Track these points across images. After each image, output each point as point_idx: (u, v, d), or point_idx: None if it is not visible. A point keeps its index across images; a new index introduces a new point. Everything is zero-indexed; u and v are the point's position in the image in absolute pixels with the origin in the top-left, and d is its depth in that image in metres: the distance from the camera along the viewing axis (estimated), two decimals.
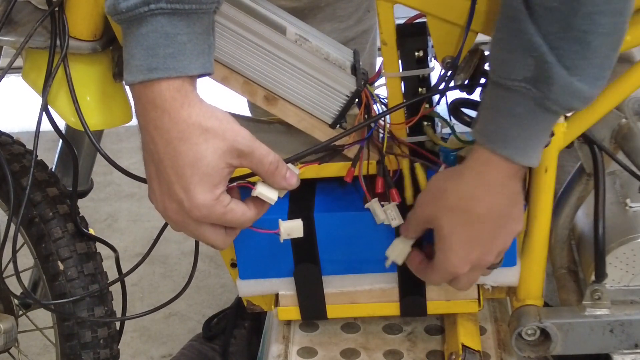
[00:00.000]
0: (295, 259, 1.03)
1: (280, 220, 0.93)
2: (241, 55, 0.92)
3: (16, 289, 1.08)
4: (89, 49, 0.98)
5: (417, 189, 0.97)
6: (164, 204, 0.84)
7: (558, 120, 0.85)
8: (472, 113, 0.94)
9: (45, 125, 1.00)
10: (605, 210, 0.97)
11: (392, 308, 1.07)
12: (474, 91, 0.94)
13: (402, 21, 0.95)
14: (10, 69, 0.99)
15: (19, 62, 0.99)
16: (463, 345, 1.04)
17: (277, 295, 1.08)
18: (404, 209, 0.97)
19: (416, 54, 0.94)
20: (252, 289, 1.07)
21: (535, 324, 1.01)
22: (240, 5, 0.93)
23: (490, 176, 0.86)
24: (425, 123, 0.98)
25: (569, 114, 0.93)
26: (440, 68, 0.94)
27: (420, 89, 0.96)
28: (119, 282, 1.09)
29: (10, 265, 1.06)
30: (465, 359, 1.02)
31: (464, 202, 0.87)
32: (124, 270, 1.10)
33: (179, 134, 0.79)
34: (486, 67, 0.93)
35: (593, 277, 1.01)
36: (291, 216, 0.98)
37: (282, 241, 0.93)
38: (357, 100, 0.96)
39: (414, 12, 0.93)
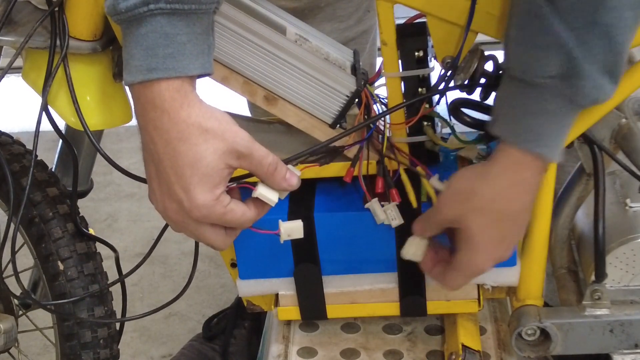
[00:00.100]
0: (295, 259, 1.03)
1: (280, 221, 0.93)
2: (241, 55, 0.92)
3: (16, 289, 1.08)
4: (89, 49, 0.98)
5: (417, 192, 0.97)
6: (164, 204, 0.84)
7: None
8: (472, 113, 0.94)
9: (45, 125, 1.00)
10: (605, 210, 0.97)
11: (392, 308, 1.07)
12: (474, 91, 0.94)
13: (402, 21, 0.95)
14: (10, 69, 0.99)
15: (19, 62, 0.99)
16: (463, 345, 1.04)
17: (277, 295, 1.08)
18: (404, 209, 0.97)
19: (416, 54, 0.94)
20: (252, 289, 1.07)
21: (535, 324, 1.01)
22: (240, 5, 0.93)
23: (524, 175, 0.85)
24: (425, 123, 0.97)
25: None
26: (440, 68, 0.94)
27: (420, 89, 0.95)
28: (118, 282, 1.09)
29: (10, 265, 1.06)
30: (465, 359, 1.02)
31: (497, 203, 0.86)
32: (124, 270, 1.10)
33: (179, 134, 0.79)
34: (486, 67, 0.93)
35: (593, 277, 1.01)
36: (291, 216, 0.98)
37: (282, 242, 0.93)
38: (357, 100, 0.96)
39: (414, 12, 0.93)
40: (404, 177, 0.98)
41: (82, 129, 0.98)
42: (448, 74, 0.93)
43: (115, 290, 1.11)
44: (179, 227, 0.85)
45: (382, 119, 0.97)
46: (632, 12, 0.77)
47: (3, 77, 0.99)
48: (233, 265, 1.08)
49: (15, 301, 1.17)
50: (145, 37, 0.78)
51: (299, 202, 1.01)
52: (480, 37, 0.91)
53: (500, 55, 0.94)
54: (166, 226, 0.91)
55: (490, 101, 0.95)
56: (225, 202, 0.83)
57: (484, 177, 0.86)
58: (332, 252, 1.03)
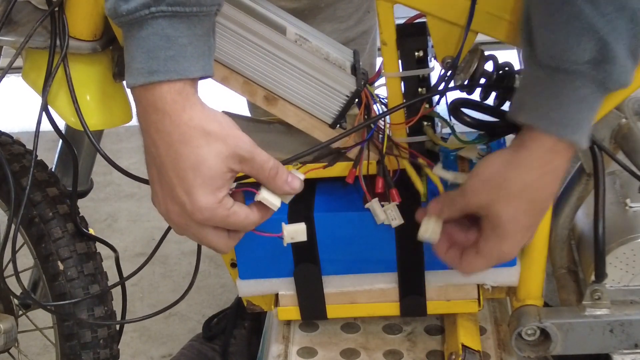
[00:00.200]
0: (295, 259, 1.03)
1: (283, 224, 0.93)
2: (241, 55, 0.92)
3: (16, 289, 1.08)
4: (88, 49, 0.98)
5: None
6: (166, 207, 0.84)
7: None
8: (472, 113, 0.94)
9: (45, 125, 1.00)
10: (605, 210, 0.97)
11: (392, 308, 1.07)
12: (474, 91, 0.94)
13: (402, 21, 0.95)
14: (10, 69, 0.99)
15: (19, 62, 0.99)
16: (463, 345, 1.04)
17: (277, 295, 1.08)
18: (404, 209, 0.97)
19: (416, 54, 0.94)
20: (252, 289, 1.07)
21: (535, 324, 1.01)
22: (240, 5, 0.93)
23: (557, 163, 0.84)
24: (425, 123, 0.97)
25: None
26: (440, 68, 0.94)
27: (420, 89, 0.95)
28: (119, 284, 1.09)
29: (10, 265, 1.06)
30: (465, 359, 1.02)
31: (528, 192, 0.85)
32: (124, 270, 1.10)
33: (181, 137, 0.79)
34: (486, 67, 0.93)
35: (593, 277, 1.01)
36: (291, 216, 0.98)
37: (285, 245, 0.93)
38: (357, 100, 0.96)
39: (414, 12, 0.93)
40: (409, 168, 0.97)
41: (82, 129, 0.98)
42: (448, 74, 0.93)
43: (116, 289, 1.11)
44: (182, 230, 0.85)
45: (383, 119, 0.97)
46: None
47: (3, 77, 0.99)
48: (233, 265, 1.08)
49: (15, 301, 1.17)
50: (146, 39, 0.78)
51: (299, 202, 1.01)
52: (480, 37, 0.91)
53: (500, 55, 0.94)
54: (169, 229, 0.91)
55: (490, 101, 0.95)
56: (228, 205, 0.82)
57: (515, 165, 0.85)
58: (332, 252, 1.03)
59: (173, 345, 1.64)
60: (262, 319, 1.38)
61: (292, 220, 0.96)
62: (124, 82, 1.03)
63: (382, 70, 0.96)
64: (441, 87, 0.94)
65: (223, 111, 0.88)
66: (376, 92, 0.99)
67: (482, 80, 0.93)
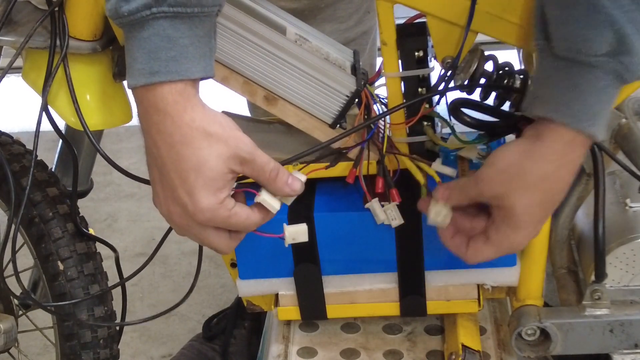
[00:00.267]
0: (295, 259, 1.03)
1: (285, 225, 0.93)
2: (241, 55, 0.92)
3: (16, 289, 1.08)
4: (88, 49, 0.98)
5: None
6: (168, 208, 0.84)
7: None
8: (472, 113, 0.94)
9: (45, 125, 1.00)
10: (605, 210, 0.97)
11: (392, 308, 1.07)
12: (474, 91, 0.94)
13: (402, 21, 0.95)
14: (10, 69, 0.99)
15: (19, 62, 0.99)
16: (463, 345, 1.04)
17: (277, 295, 1.08)
18: (404, 209, 0.97)
19: (416, 54, 0.94)
20: (252, 289, 1.07)
21: (535, 324, 1.01)
22: (240, 5, 0.93)
23: (574, 155, 0.84)
24: (425, 123, 0.97)
25: None
26: (440, 68, 0.94)
27: (420, 89, 0.95)
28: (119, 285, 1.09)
29: (10, 265, 1.06)
30: (465, 359, 1.02)
31: (545, 184, 0.84)
32: (124, 270, 1.10)
33: (182, 138, 0.79)
34: (486, 67, 0.93)
35: (593, 277, 1.01)
36: (291, 216, 0.98)
37: (287, 246, 0.93)
38: (357, 100, 0.96)
39: (414, 12, 0.93)
40: (409, 163, 0.97)
41: (82, 129, 0.98)
42: (448, 74, 0.93)
43: (116, 289, 1.11)
44: (183, 230, 0.85)
45: (383, 118, 0.97)
46: None
47: (3, 77, 0.99)
48: (233, 265, 1.08)
49: (15, 301, 1.17)
50: (147, 40, 0.78)
51: (299, 202, 1.01)
52: (480, 37, 0.91)
53: (500, 55, 0.94)
54: (170, 229, 0.91)
55: (490, 101, 0.95)
56: (229, 206, 0.82)
57: (532, 157, 0.84)
58: (332, 252, 1.03)
59: (173, 345, 1.64)
60: (262, 319, 1.38)
61: (292, 220, 0.96)
62: (124, 82, 1.03)
63: (382, 70, 0.96)
64: (441, 87, 0.94)
65: (223, 111, 0.88)
66: (376, 92, 0.99)
67: (482, 80, 0.93)
